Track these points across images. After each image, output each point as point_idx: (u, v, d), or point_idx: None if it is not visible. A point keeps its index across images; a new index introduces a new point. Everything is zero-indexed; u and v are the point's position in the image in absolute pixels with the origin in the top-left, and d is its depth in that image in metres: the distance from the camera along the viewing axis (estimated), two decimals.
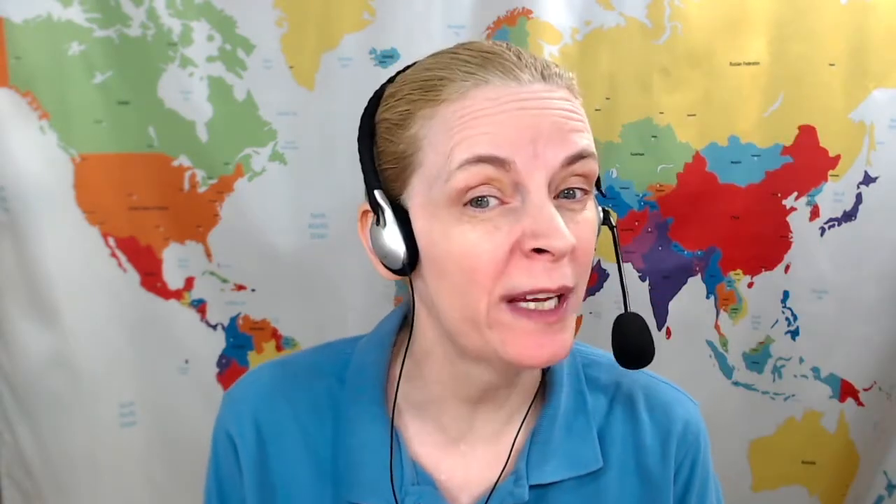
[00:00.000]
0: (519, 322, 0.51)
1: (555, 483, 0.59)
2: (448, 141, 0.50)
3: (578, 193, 0.52)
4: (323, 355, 0.66)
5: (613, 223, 0.59)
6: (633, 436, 0.63)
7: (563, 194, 0.51)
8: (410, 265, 0.53)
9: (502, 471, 0.59)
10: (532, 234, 0.49)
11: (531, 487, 0.58)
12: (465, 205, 0.50)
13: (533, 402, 0.61)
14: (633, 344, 0.58)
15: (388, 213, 0.53)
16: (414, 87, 0.53)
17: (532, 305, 0.51)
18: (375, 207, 0.54)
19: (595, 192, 0.55)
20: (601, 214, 0.57)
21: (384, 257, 0.54)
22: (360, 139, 0.56)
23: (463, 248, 0.50)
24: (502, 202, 0.50)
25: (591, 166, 0.52)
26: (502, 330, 0.51)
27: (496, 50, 0.53)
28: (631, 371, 0.64)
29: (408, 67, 0.57)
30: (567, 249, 0.48)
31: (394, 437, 0.59)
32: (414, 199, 0.53)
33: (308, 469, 0.60)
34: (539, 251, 0.49)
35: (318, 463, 0.60)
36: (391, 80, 0.58)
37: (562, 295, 0.51)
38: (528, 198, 0.50)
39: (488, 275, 0.50)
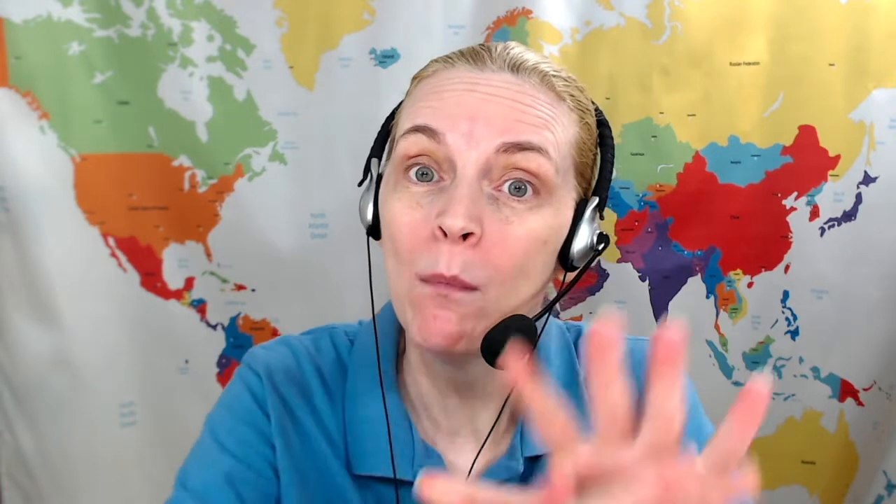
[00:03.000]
0: (424, 290, 0.50)
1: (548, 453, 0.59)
2: (406, 113, 0.54)
3: (528, 190, 0.50)
4: (328, 336, 0.65)
5: (600, 248, 0.55)
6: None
7: (511, 188, 0.50)
8: (373, 229, 0.56)
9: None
10: (437, 212, 0.48)
11: (526, 459, 0.58)
12: (407, 172, 0.51)
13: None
14: (496, 335, 0.50)
15: (369, 180, 0.57)
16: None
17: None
18: (366, 173, 0.58)
19: (593, 210, 0.54)
20: (594, 238, 0.54)
21: (362, 219, 0.57)
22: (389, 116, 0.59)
23: (390, 217, 0.52)
24: (441, 179, 0.51)
25: (538, 162, 0.50)
26: (416, 305, 0.50)
27: (488, 44, 0.55)
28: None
29: None
30: (455, 230, 0.47)
31: (405, 418, 0.59)
32: (385, 168, 0.56)
33: (322, 443, 0.60)
34: (445, 234, 0.48)
35: (330, 437, 0.60)
36: None
37: (477, 290, 0.50)
38: (455, 176, 0.50)
39: (405, 249, 0.51)
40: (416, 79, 0.56)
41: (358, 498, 0.58)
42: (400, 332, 0.63)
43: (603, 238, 0.55)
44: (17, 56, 1.06)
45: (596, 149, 0.57)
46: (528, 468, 0.59)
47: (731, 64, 1.13)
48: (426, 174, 0.51)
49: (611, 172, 0.56)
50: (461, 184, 0.49)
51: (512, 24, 1.12)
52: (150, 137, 1.13)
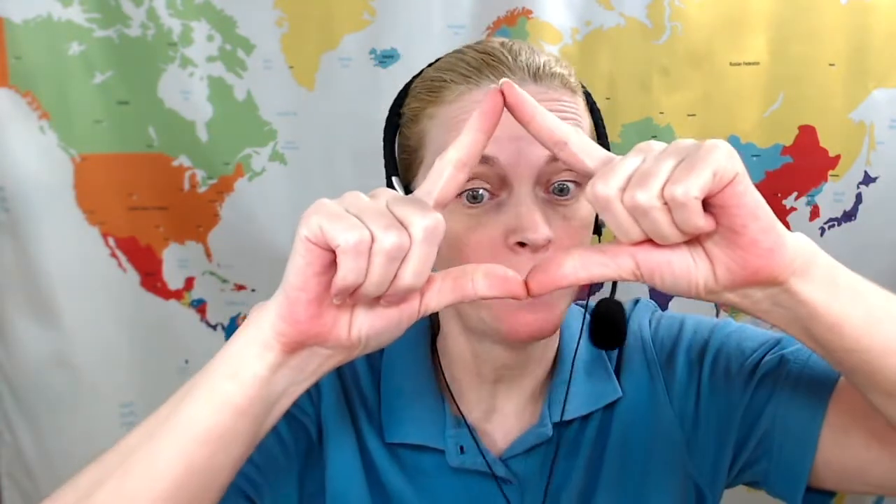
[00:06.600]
0: (507, 300, 0.52)
1: (575, 419, 0.64)
2: (443, 140, 0.55)
3: (571, 188, 0.54)
4: None
5: (602, 230, 0.61)
6: (645, 364, 0.67)
7: (556, 189, 0.54)
8: None
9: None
10: (512, 229, 0.52)
11: (554, 425, 0.63)
12: (459, 197, 0.54)
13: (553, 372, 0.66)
14: (614, 327, 0.64)
15: None
16: (424, 86, 0.59)
17: None
18: None
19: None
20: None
21: None
22: (385, 128, 0.62)
23: (451, 238, 0.54)
24: (492, 195, 0.54)
25: None
26: (496, 306, 0.54)
27: (494, 52, 0.56)
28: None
29: (436, 61, 0.61)
30: (542, 242, 0.51)
31: (437, 393, 0.63)
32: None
33: (359, 410, 0.64)
34: (522, 245, 0.52)
35: (365, 403, 0.64)
36: (418, 74, 0.62)
37: None
38: (513, 192, 0.53)
39: (476, 262, 0.52)
40: (438, 102, 0.56)
41: (389, 465, 0.62)
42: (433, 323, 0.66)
43: (598, 218, 0.61)
44: (17, 56, 1.06)
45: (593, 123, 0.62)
46: (557, 433, 0.63)
47: (731, 64, 1.13)
48: (475, 197, 0.54)
49: (607, 138, 0.62)
50: (524, 198, 0.53)
51: (512, 24, 1.12)
52: (150, 137, 1.12)
